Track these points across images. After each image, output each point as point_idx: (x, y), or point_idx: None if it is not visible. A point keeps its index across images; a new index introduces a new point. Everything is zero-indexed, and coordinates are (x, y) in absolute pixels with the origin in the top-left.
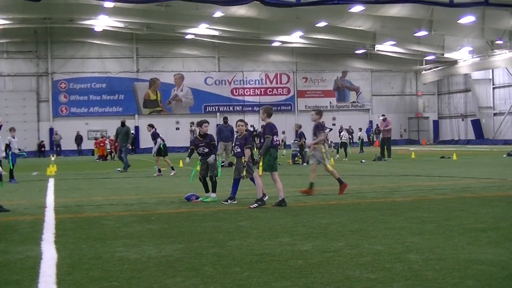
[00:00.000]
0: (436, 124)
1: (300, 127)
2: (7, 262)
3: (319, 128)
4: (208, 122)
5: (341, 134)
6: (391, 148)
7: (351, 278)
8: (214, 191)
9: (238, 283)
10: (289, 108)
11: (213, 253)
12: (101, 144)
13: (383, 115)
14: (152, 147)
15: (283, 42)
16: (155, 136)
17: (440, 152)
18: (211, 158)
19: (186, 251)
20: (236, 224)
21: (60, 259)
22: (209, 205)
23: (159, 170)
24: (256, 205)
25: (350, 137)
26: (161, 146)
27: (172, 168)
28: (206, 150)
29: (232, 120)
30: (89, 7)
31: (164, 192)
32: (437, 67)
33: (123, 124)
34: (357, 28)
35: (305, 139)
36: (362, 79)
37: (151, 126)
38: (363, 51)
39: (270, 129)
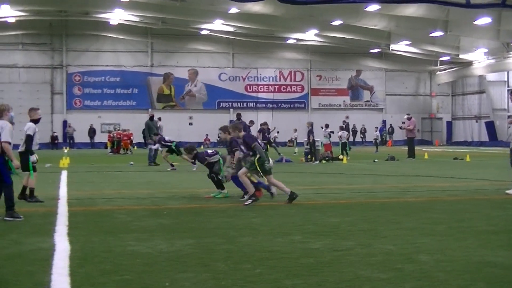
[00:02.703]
0: (449, 125)
1: (311, 124)
2: (20, 253)
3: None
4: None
5: (339, 134)
6: (414, 148)
7: (361, 277)
8: (221, 188)
9: (249, 280)
10: (303, 105)
11: (224, 249)
12: (124, 138)
13: (408, 114)
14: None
15: (297, 40)
16: (160, 141)
17: (453, 153)
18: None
19: (197, 247)
20: (247, 220)
21: (73, 252)
22: (220, 201)
23: (172, 165)
24: (251, 201)
25: (362, 136)
26: (173, 147)
27: (172, 165)
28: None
29: (246, 116)
30: (105, 1)
31: (175, 187)
32: (451, 68)
33: (151, 118)
34: (372, 27)
35: (313, 137)
36: (376, 78)
37: (156, 135)
38: (378, 50)
39: (236, 142)
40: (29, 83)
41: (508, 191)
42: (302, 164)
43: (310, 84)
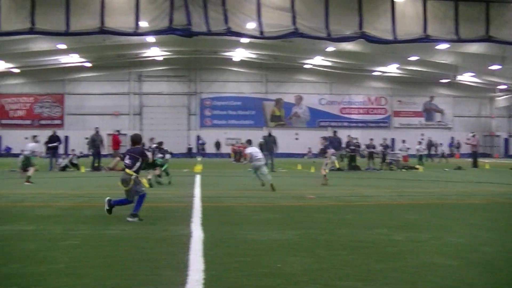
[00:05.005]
0: (506, 141)
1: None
2: (165, 238)
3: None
4: None
5: (417, 147)
6: (477, 160)
7: (435, 263)
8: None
9: (344, 264)
10: (386, 125)
11: (324, 239)
12: (244, 149)
13: (472, 132)
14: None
15: (382, 72)
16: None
17: (509, 164)
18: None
19: (303, 237)
20: (343, 216)
21: (205, 238)
22: (321, 201)
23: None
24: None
25: (435, 150)
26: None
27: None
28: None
29: (341, 133)
30: (230, 42)
31: (285, 189)
32: (508, 94)
33: (270, 134)
34: (442, 61)
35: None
36: (445, 103)
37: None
38: (447, 80)
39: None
40: (171, 106)
41: None
42: (386, 172)
43: (392, 107)
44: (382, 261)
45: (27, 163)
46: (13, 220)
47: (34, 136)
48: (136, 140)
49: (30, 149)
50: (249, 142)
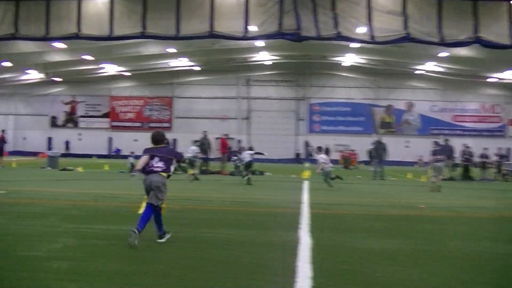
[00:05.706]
0: None
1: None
2: (272, 243)
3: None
4: None
5: None
6: None
7: None
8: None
9: (446, 275)
10: (502, 134)
11: (424, 249)
12: (353, 156)
13: None
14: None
15: (498, 78)
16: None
17: None
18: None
19: (403, 246)
20: (452, 227)
21: (313, 244)
22: (431, 211)
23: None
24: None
25: None
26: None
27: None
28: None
29: (453, 141)
30: (339, 47)
31: (393, 197)
32: None
33: (380, 141)
34: None
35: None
36: None
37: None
38: None
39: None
40: (279, 111)
41: None
42: (501, 183)
43: (509, 115)
44: (486, 275)
45: (191, 164)
46: (120, 220)
47: (195, 141)
48: (160, 138)
49: (192, 152)
50: (319, 149)
